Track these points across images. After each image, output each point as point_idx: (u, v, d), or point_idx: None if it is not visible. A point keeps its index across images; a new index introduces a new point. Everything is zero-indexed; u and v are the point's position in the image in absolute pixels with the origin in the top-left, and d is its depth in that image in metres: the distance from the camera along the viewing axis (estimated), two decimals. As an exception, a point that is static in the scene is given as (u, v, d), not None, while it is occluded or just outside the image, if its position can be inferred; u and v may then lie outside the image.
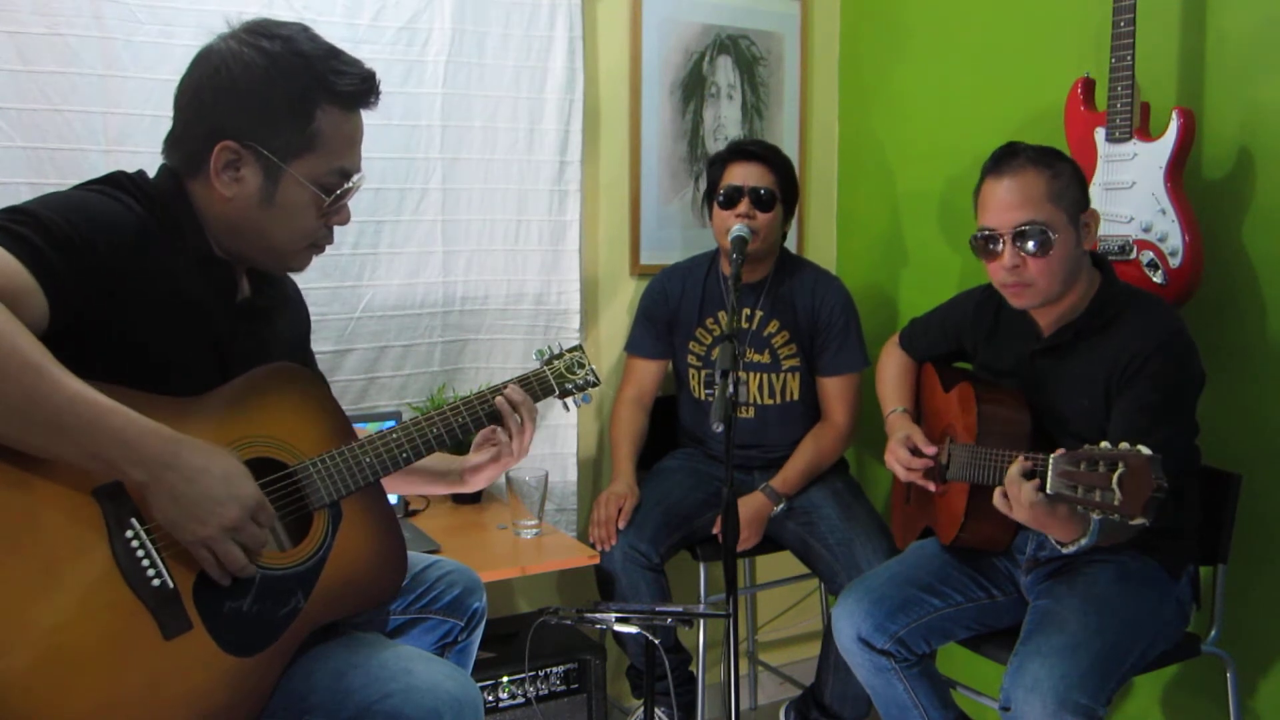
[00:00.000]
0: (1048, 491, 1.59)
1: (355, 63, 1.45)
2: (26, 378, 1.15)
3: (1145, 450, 1.45)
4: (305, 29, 1.44)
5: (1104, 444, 1.51)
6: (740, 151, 2.54)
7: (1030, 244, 1.86)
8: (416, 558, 1.77)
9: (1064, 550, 1.72)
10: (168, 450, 1.24)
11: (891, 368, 2.38)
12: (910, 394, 2.34)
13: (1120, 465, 1.45)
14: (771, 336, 2.58)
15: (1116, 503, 1.45)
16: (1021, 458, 1.69)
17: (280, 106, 1.38)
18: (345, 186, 1.46)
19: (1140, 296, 1.96)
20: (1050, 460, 1.59)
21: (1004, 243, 1.89)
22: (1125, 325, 1.89)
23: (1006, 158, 1.92)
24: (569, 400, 1.80)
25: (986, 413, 1.98)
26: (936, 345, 2.31)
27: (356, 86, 1.43)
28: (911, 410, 2.30)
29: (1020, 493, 1.65)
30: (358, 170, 1.48)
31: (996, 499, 1.71)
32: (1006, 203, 1.89)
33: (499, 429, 1.69)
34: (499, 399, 1.66)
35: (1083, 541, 1.69)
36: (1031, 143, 1.96)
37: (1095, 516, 1.52)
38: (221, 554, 1.28)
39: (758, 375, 2.59)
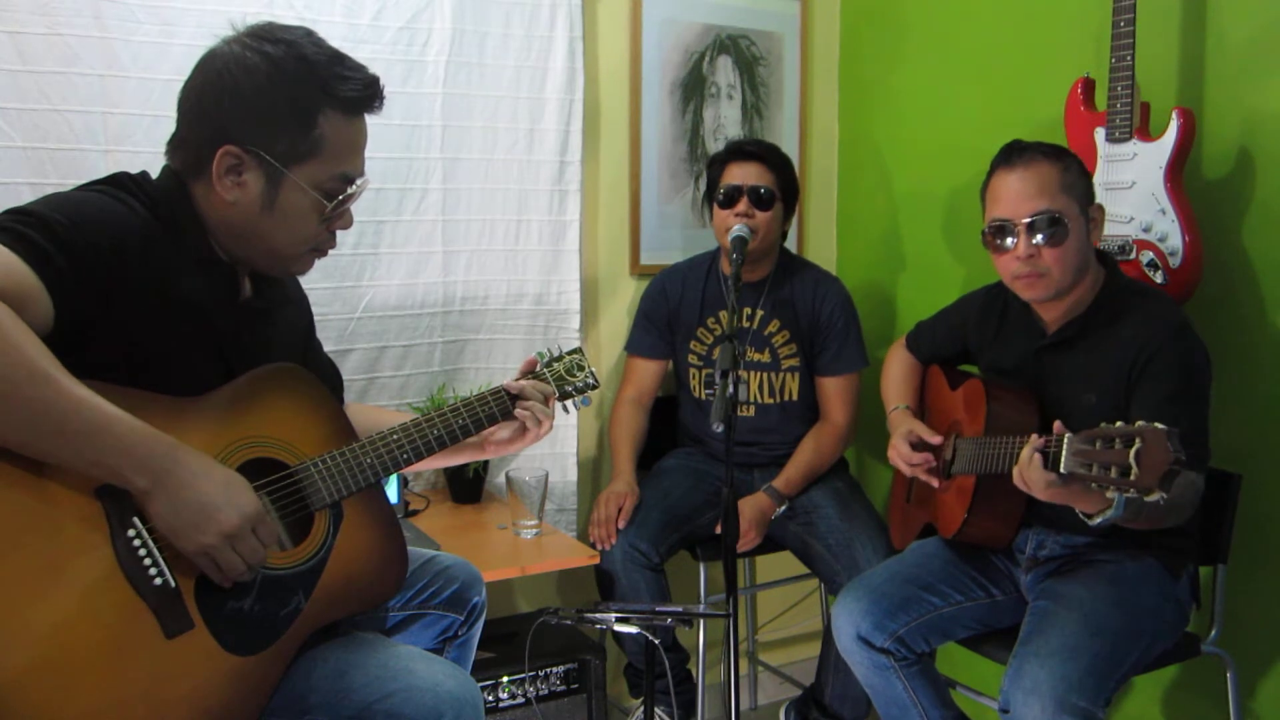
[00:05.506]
0: (1061, 470, 1.58)
1: (359, 68, 1.44)
2: (32, 385, 1.15)
3: (1160, 425, 1.44)
4: (310, 33, 1.43)
5: (1119, 423, 1.50)
6: (739, 151, 2.54)
7: (1044, 234, 1.86)
8: (415, 553, 1.77)
9: (1091, 523, 1.67)
10: (169, 457, 1.24)
11: (896, 367, 2.39)
12: (914, 393, 2.34)
13: (1137, 440, 1.45)
14: (772, 336, 2.58)
15: (1133, 477, 1.44)
16: (1034, 439, 1.67)
17: (283, 112, 1.38)
18: (348, 192, 1.45)
19: (1145, 291, 1.96)
20: (1065, 439, 1.58)
21: (1018, 232, 1.89)
22: (1131, 319, 1.89)
23: (1017, 151, 1.93)
24: (568, 403, 1.79)
25: (995, 410, 1.98)
26: (941, 346, 2.31)
27: (360, 92, 1.43)
28: (914, 408, 2.30)
29: (1033, 472, 1.63)
30: (360, 175, 1.47)
31: (1015, 477, 1.69)
32: (1021, 193, 1.89)
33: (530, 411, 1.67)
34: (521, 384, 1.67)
35: (1109, 513, 1.64)
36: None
37: (1108, 495, 1.51)
38: (223, 561, 1.28)
39: (758, 374, 2.59)
